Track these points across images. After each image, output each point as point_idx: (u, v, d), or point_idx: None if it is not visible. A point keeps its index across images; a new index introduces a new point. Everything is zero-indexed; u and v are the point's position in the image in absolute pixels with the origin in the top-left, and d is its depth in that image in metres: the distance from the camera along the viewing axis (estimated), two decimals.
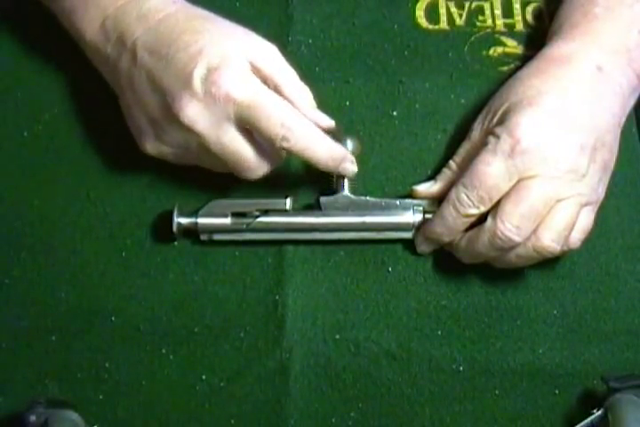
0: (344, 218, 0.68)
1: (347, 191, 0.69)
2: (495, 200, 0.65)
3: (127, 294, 0.69)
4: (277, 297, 0.69)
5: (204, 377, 0.67)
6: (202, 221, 0.68)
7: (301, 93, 0.67)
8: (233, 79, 0.64)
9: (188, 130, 0.64)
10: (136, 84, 0.66)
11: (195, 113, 0.64)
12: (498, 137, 0.65)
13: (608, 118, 0.67)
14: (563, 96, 0.66)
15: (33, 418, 0.60)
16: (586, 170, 0.65)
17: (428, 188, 0.69)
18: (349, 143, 0.68)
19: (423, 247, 0.69)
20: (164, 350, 0.67)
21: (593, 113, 0.66)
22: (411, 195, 0.70)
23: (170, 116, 0.65)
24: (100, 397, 0.66)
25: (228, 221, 0.68)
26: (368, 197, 0.69)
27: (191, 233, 0.69)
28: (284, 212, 0.68)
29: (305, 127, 0.65)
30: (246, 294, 0.69)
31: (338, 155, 0.67)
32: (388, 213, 0.69)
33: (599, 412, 0.62)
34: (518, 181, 0.64)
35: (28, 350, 0.67)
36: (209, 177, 0.71)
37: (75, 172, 0.72)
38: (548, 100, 0.66)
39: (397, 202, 0.69)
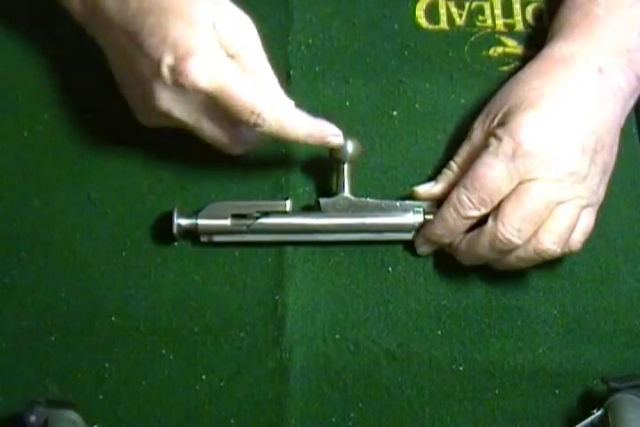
0: (344, 219, 0.68)
1: (347, 193, 0.69)
2: (496, 202, 0.65)
3: (127, 294, 0.69)
4: (277, 297, 0.69)
5: (203, 377, 0.67)
6: (202, 222, 0.68)
7: (267, 71, 0.68)
8: (199, 69, 0.64)
9: (165, 115, 0.65)
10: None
11: (168, 102, 0.65)
12: (500, 139, 0.65)
13: (609, 120, 0.67)
14: (564, 98, 0.66)
15: (33, 418, 0.60)
16: (587, 172, 0.65)
17: (428, 189, 0.69)
18: (350, 145, 0.68)
19: (423, 249, 0.69)
20: (164, 350, 0.67)
21: (594, 115, 0.66)
22: (411, 196, 0.70)
23: (148, 95, 0.65)
24: (100, 397, 0.66)
25: (227, 222, 0.68)
26: (368, 199, 0.69)
27: (191, 234, 0.69)
28: (284, 213, 0.68)
29: (276, 109, 0.65)
30: (246, 294, 0.69)
31: (316, 130, 0.66)
32: (389, 215, 0.69)
33: (599, 412, 0.62)
34: (519, 184, 0.64)
35: (28, 350, 0.67)
36: (209, 177, 0.71)
37: (75, 172, 0.72)
38: (550, 102, 0.66)
39: (397, 203, 0.69)
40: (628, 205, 0.72)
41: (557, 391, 0.67)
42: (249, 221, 0.68)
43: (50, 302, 0.68)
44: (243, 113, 0.64)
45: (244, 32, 0.67)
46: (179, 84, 0.64)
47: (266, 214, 0.68)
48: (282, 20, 0.77)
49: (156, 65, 0.64)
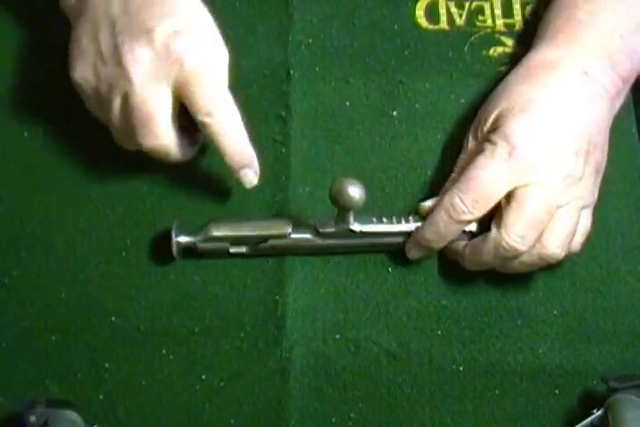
0: (344, 241, 0.68)
1: (350, 225, 0.67)
2: (489, 207, 0.64)
3: (127, 294, 0.69)
4: (277, 297, 0.69)
5: (203, 377, 0.67)
6: (201, 246, 0.67)
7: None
8: (193, 46, 0.65)
9: (124, 71, 0.65)
10: (100, 12, 0.66)
11: (140, 58, 0.65)
12: (494, 143, 0.65)
13: (598, 121, 0.67)
14: (553, 102, 0.66)
15: (33, 418, 0.60)
16: (582, 174, 0.65)
17: (434, 204, 0.68)
18: (356, 190, 0.63)
19: (412, 253, 0.68)
20: (164, 350, 0.67)
21: (583, 117, 0.66)
22: (417, 212, 0.69)
23: (117, 50, 0.65)
24: (100, 397, 0.66)
25: (227, 246, 0.67)
26: (370, 226, 0.68)
27: (191, 252, 0.68)
28: (283, 238, 0.67)
29: (233, 115, 0.66)
30: (246, 294, 0.69)
31: (248, 156, 0.67)
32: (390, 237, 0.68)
33: (599, 412, 0.62)
34: (516, 190, 0.64)
35: (28, 350, 0.67)
36: (209, 176, 0.71)
37: (75, 172, 0.72)
38: (539, 106, 0.66)
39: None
40: (628, 205, 0.72)
41: (557, 391, 0.67)
42: (248, 247, 0.68)
43: (50, 302, 0.68)
44: (204, 99, 0.65)
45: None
46: (166, 49, 0.64)
47: (265, 241, 0.67)
48: (282, 20, 0.77)
49: (153, 26, 0.65)
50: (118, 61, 0.65)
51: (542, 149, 0.64)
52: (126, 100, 0.65)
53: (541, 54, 0.70)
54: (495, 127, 0.66)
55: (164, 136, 0.66)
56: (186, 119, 0.67)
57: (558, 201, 0.64)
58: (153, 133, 0.66)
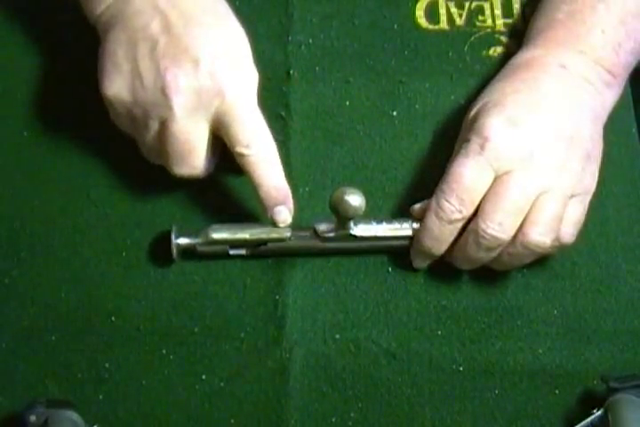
0: (345, 244, 0.68)
1: (351, 230, 0.67)
2: (476, 202, 0.64)
3: (127, 294, 0.69)
4: (277, 297, 0.69)
5: (203, 377, 0.67)
6: (201, 248, 0.67)
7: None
8: (234, 77, 0.64)
9: (166, 99, 0.63)
10: (137, 26, 0.65)
11: (184, 88, 0.63)
12: (468, 140, 0.65)
13: (582, 111, 0.67)
14: (528, 93, 0.67)
15: (33, 418, 0.60)
16: (564, 159, 0.64)
17: (423, 206, 0.68)
18: (356, 198, 0.63)
19: (418, 262, 0.68)
20: (164, 350, 0.67)
21: (563, 106, 0.66)
22: (411, 214, 0.68)
23: (160, 77, 0.64)
24: (100, 397, 0.66)
25: (226, 248, 0.67)
26: (372, 231, 0.67)
27: (191, 254, 0.68)
28: (283, 241, 0.67)
29: (270, 148, 0.66)
30: (246, 294, 0.69)
31: (284, 193, 0.66)
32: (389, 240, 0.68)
33: (599, 412, 0.62)
34: (496, 179, 0.64)
35: (28, 350, 0.67)
36: (210, 176, 0.71)
37: (75, 172, 0.72)
38: (513, 98, 0.66)
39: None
40: (628, 205, 0.72)
41: (557, 391, 0.67)
42: (248, 249, 0.68)
43: (50, 302, 0.68)
44: (244, 132, 0.65)
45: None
46: (209, 81, 0.63)
47: (265, 244, 0.67)
48: (282, 20, 0.77)
49: (198, 55, 0.64)
50: (160, 88, 0.63)
51: (516, 137, 0.64)
52: (164, 127, 0.64)
53: (520, 56, 0.71)
54: (472, 125, 0.66)
55: (199, 167, 0.66)
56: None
57: (538, 187, 0.64)
58: (190, 165, 0.66)
